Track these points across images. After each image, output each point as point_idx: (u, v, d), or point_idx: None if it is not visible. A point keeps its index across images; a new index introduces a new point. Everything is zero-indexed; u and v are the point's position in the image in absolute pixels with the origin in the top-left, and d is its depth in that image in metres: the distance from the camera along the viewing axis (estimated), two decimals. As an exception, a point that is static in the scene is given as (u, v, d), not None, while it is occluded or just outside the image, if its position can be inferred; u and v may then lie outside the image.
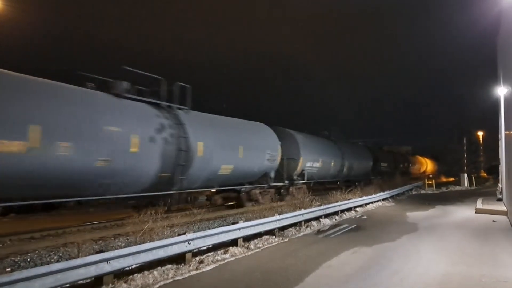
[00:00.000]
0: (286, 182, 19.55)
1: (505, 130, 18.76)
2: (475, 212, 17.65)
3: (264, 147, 17.82)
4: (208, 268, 7.86)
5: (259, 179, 17.96)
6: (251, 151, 16.62)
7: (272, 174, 18.49)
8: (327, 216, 14.77)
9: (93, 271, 6.20)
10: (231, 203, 16.96)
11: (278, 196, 18.70)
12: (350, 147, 31.11)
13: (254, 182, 17.82)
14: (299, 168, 20.97)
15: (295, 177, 20.68)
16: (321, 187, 25.14)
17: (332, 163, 25.63)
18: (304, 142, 21.83)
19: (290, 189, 19.86)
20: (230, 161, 15.33)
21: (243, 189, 17.07)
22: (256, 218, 11.13)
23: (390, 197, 24.09)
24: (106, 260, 6.40)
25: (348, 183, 27.97)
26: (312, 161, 22.30)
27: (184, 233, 8.27)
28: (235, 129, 16.66)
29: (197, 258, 8.31)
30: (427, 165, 61.61)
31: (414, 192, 31.72)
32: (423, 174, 53.23)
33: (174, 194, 12.96)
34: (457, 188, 38.00)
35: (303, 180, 21.24)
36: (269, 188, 18.41)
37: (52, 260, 7.99)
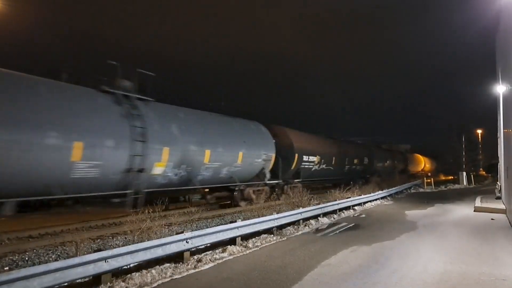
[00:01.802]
0: None
1: (503, 128, 18.74)
2: (474, 211, 17.66)
3: None
4: (206, 266, 7.84)
5: None
6: None
7: None
8: (325, 214, 14.76)
9: (91, 270, 6.19)
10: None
11: None
12: (198, 120, 14.74)
13: None
14: None
15: None
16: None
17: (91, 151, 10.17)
18: None
19: None
20: None
21: None
22: (254, 217, 11.12)
23: (388, 195, 24.14)
24: (104, 258, 6.39)
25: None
26: None
27: (182, 232, 8.28)
28: None
29: (195, 257, 8.30)
30: (425, 163, 61.28)
31: (413, 191, 31.81)
32: (404, 171, 48.18)
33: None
34: (456, 186, 38.08)
35: None
36: None
37: (50, 259, 8.00)
